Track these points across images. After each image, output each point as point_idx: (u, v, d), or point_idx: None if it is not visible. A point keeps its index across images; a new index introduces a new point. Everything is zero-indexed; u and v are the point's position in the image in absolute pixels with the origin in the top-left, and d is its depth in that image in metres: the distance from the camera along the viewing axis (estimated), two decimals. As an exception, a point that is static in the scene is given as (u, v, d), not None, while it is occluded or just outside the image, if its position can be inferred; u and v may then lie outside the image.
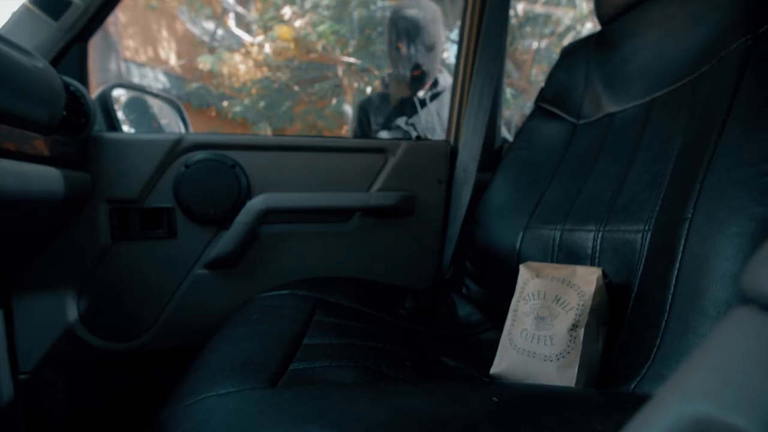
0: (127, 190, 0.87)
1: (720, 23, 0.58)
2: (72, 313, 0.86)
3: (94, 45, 0.86)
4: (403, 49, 1.51)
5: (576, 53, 0.90)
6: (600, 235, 0.61)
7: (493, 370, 0.56)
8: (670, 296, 0.44)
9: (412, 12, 1.51)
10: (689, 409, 0.14)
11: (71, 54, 0.83)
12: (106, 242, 0.87)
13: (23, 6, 0.77)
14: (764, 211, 0.39)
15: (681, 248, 0.44)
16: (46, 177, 0.67)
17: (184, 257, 0.92)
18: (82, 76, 0.85)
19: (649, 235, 0.53)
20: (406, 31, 1.51)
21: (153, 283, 0.91)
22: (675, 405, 0.15)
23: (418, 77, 1.54)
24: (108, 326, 0.89)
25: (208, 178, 0.91)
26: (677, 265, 0.44)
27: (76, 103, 0.76)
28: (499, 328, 0.59)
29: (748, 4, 0.53)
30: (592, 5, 0.88)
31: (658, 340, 0.43)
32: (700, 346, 0.16)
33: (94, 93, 1.07)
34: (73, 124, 0.76)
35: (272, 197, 0.93)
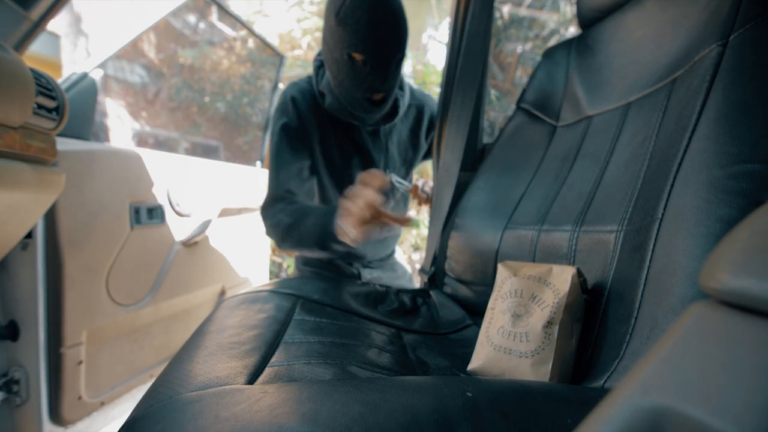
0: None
1: (694, 30, 0.60)
2: None
3: (67, 35, 0.83)
4: (360, 64, 0.91)
5: (556, 56, 0.91)
6: (576, 236, 0.63)
7: (470, 366, 0.57)
8: (640, 294, 0.45)
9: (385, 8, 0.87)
10: (646, 402, 0.15)
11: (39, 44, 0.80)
12: None
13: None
14: (730, 212, 0.40)
15: (651, 248, 0.46)
16: (16, 172, 0.65)
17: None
18: (53, 70, 0.82)
19: (622, 235, 0.54)
20: (375, 36, 0.88)
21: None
22: (633, 398, 0.15)
23: (379, 102, 1.00)
24: None
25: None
26: (647, 264, 0.45)
27: (47, 96, 0.74)
28: (479, 325, 0.60)
29: (720, 12, 0.55)
30: (575, 10, 0.90)
31: (628, 336, 0.44)
32: (658, 341, 0.17)
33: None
34: (44, 117, 0.74)
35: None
